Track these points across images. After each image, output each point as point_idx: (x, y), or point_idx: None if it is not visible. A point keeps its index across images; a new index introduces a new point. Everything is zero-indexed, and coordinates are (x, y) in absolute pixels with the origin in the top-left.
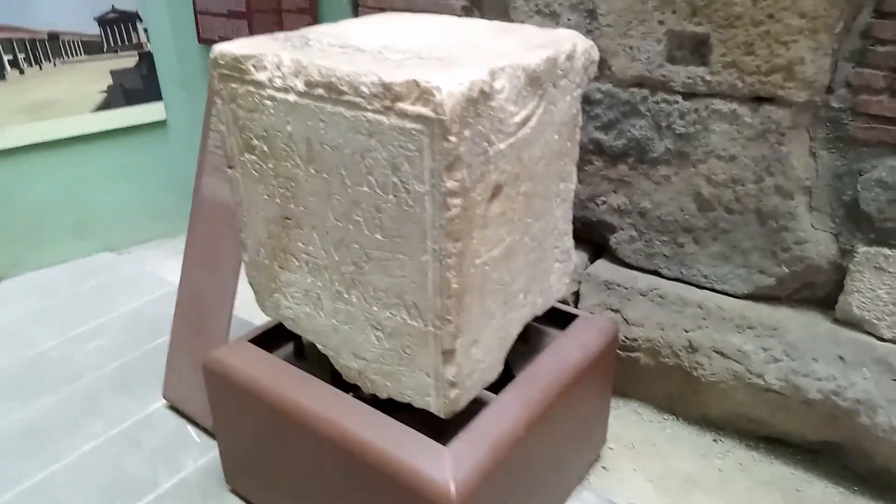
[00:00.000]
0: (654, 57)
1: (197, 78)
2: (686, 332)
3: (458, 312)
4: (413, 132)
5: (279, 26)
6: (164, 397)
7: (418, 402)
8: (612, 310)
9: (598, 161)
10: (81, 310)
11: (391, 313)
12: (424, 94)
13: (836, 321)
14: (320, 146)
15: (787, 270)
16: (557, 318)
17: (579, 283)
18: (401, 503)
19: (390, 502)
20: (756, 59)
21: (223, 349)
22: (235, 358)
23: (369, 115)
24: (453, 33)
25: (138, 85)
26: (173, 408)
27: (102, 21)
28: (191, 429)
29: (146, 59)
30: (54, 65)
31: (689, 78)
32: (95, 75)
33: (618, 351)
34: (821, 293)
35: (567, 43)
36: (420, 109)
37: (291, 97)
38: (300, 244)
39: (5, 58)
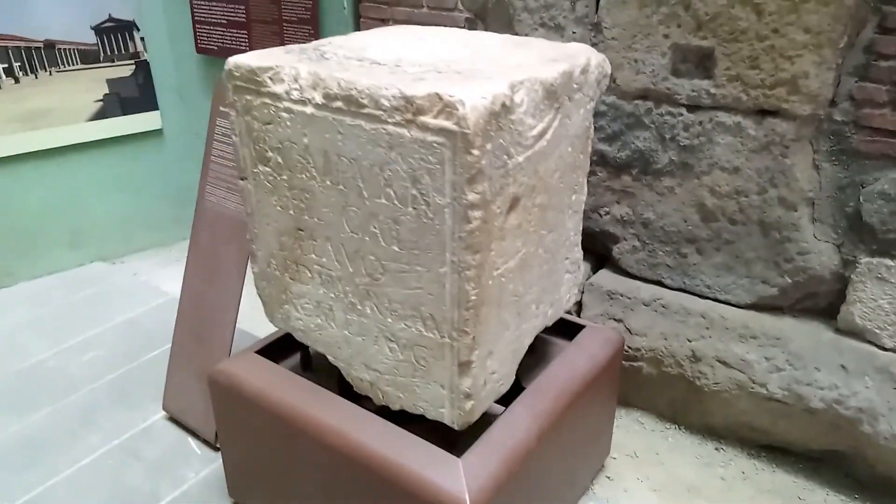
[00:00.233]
0: (658, 70)
1: (193, 87)
2: (689, 341)
3: (476, 324)
4: (435, 145)
5: (279, 36)
6: (164, 408)
7: (432, 414)
8: (615, 319)
9: (602, 172)
10: (76, 320)
11: (406, 325)
12: (447, 108)
13: (839, 331)
14: (338, 158)
15: (789, 281)
16: (562, 328)
17: (582, 292)
18: None
19: None
20: (760, 73)
21: (229, 361)
22: (242, 369)
23: (390, 127)
24: (466, 46)
25: (134, 94)
26: (173, 419)
27: (99, 30)
28: (191, 440)
29: (142, 69)
30: (50, 73)
31: (693, 91)
32: (91, 84)
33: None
34: (823, 303)
35: (581, 57)
36: (443, 123)
37: (309, 109)
38: (313, 256)
39: (0, 66)
